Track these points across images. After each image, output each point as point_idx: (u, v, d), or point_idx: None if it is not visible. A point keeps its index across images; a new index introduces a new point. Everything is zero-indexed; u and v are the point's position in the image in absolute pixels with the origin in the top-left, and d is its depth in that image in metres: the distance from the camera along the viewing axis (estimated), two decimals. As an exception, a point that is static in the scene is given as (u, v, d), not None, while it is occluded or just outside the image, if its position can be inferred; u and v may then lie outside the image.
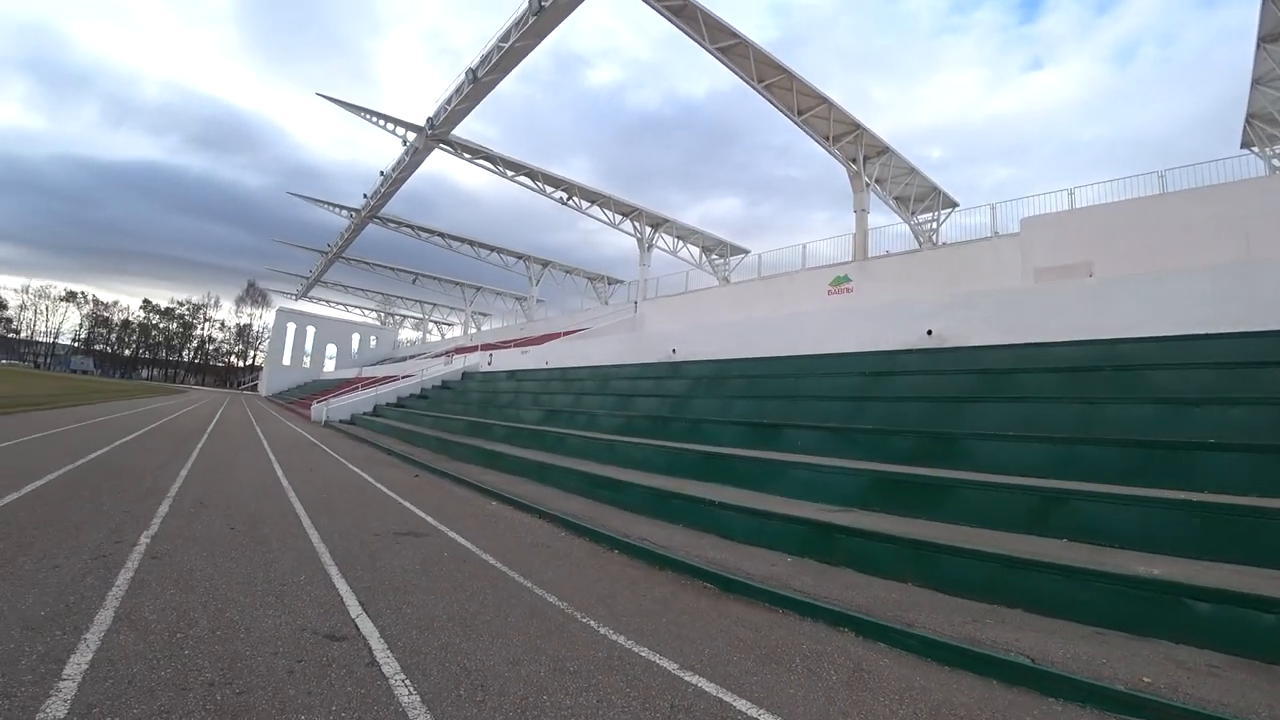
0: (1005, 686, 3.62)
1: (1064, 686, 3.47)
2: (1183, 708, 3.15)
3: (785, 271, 27.19)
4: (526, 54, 23.61)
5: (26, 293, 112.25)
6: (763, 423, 10.15)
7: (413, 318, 78.60)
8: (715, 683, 3.53)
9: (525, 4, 21.23)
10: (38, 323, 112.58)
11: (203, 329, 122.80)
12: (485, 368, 29.85)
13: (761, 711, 3.21)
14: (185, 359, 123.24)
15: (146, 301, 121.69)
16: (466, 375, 29.84)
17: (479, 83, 25.29)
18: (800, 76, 21.94)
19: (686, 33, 20.62)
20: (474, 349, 37.77)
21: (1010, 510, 5.78)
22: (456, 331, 67.69)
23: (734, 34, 20.76)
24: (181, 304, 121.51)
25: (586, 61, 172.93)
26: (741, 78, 22.03)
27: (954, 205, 26.91)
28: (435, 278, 58.59)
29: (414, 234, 45.47)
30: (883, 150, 24.46)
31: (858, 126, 23.53)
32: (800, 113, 23.08)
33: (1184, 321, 9.01)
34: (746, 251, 36.21)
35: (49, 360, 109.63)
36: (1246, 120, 22.01)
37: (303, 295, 75.35)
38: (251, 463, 12.36)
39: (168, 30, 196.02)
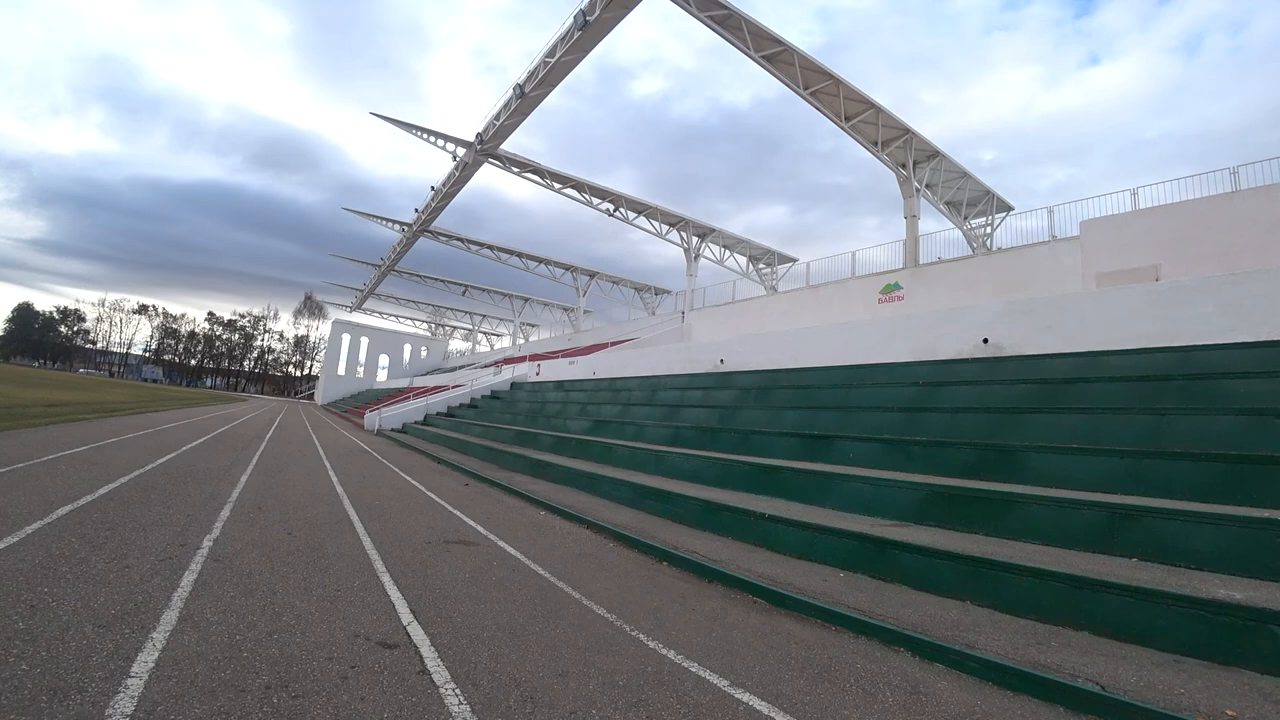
0: (1072, 714, 3.44)
1: (1138, 716, 3.27)
2: (1273, 743, 2.94)
3: (834, 280, 26.78)
4: (572, 68, 23.92)
5: (103, 306, 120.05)
6: (813, 434, 9.98)
7: (462, 329, 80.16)
8: (767, 701, 3.45)
9: (570, 20, 21.54)
10: (113, 334, 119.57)
11: (262, 340, 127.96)
12: (533, 378, 30.19)
13: (815, 733, 3.12)
14: (246, 369, 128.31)
15: (211, 314, 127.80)
16: (515, 385, 30.22)
17: (526, 98, 25.71)
18: (847, 82, 21.64)
19: (731, 42, 20.59)
20: (522, 359, 38.24)
21: (1075, 527, 5.53)
22: (505, 342, 68.67)
23: (779, 41, 20.63)
24: (243, 316, 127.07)
25: (630, 73, 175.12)
26: (787, 85, 21.85)
27: (1008, 209, 26.15)
28: (484, 289, 59.67)
29: (464, 247, 46.39)
30: (933, 154, 23.93)
31: (907, 131, 23.08)
32: (847, 119, 22.76)
33: (1265, 327, 8.51)
34: (794, 260, 35.81)
35: (122, 369, 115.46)
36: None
37: (357, 307, 77.67)
38: (308, 469, 12.73)
39: (230, 57, 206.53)
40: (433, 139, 33.34)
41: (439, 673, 3.50)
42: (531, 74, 24.73)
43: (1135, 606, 4.22)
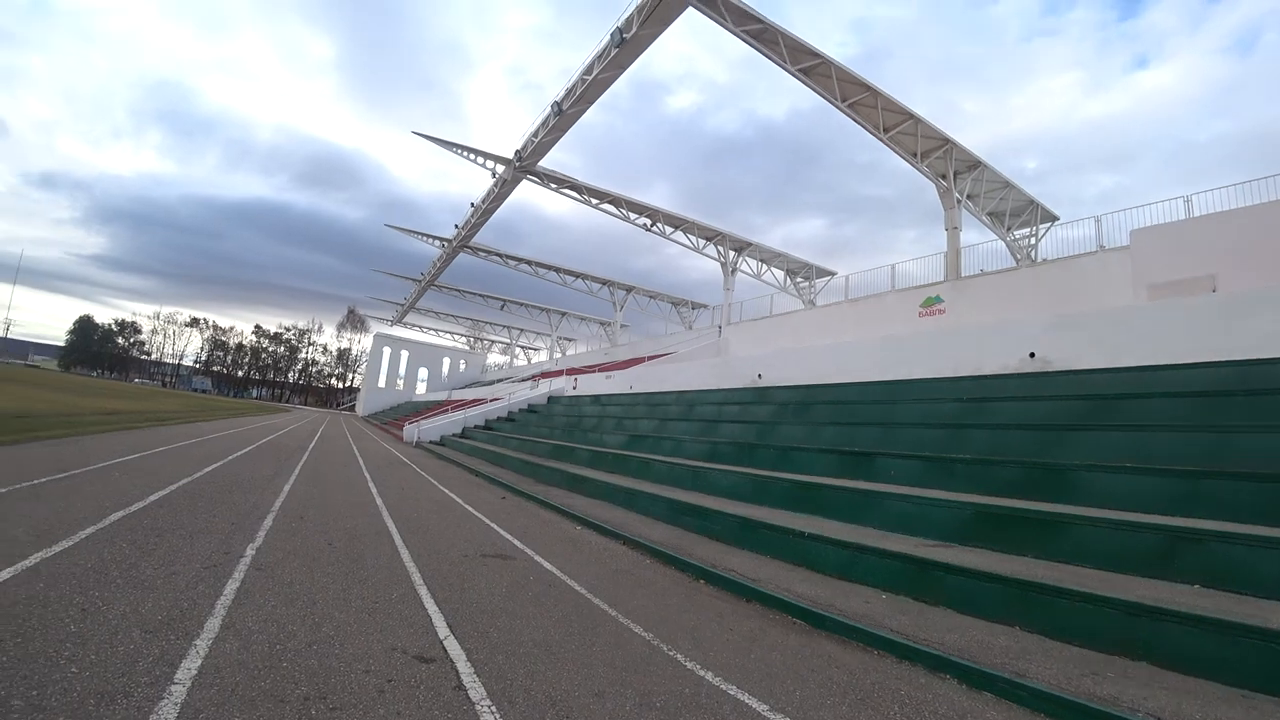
0: (1135, 750, 3.26)
1: (1206, 754, 3.09)
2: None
3: (873, 293, 26.33)
4: (609, 85, 24.16)
5: (157, 319, 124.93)
6: (854, 451, 9.79)
7: (500, 343, 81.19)
8: (807, 727, 3.35)
9: (607, 37, 21.78)
10: (166, 346, 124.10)
11: (307, 352, 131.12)
12: (570, 392, 30.32)
13: (858, 762, 3.02)
14: (290, 380, 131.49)
15: (258, 327, 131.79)
16: (552, 399, 30.40)
17: (564, 115, 26.04)
18: (885, 93, 21.40)
19: (768, 56, 20.55)
20: (559, 373, 38.47)
21: (1130, 550, 5.29)
22: (542, 356, 69.29)
23: (815, 54, 20.52)
24: (289, 329, 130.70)
25: (665, 87, 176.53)
26: (824, 97, 21.71)
27: (1053, 219, 25.41)
28: (522, 304, 60.31)
29: (502, 262, 47.00)
30: (974, 164, 23.45)
31: (947, 141, 22.70)
32: (886, 130, 22.49)
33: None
34: (832, 273, 35.43)
35: (174, 380, 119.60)
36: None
37: (398, 321, 79.23)
38: (348, 480, 12.95)
39: (278, 80, 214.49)
40: (472, 156, 33.95)
41: (475, 689, 3.48)
42: (569, 91, 25.06)
43: (1198, 637, 4.00)
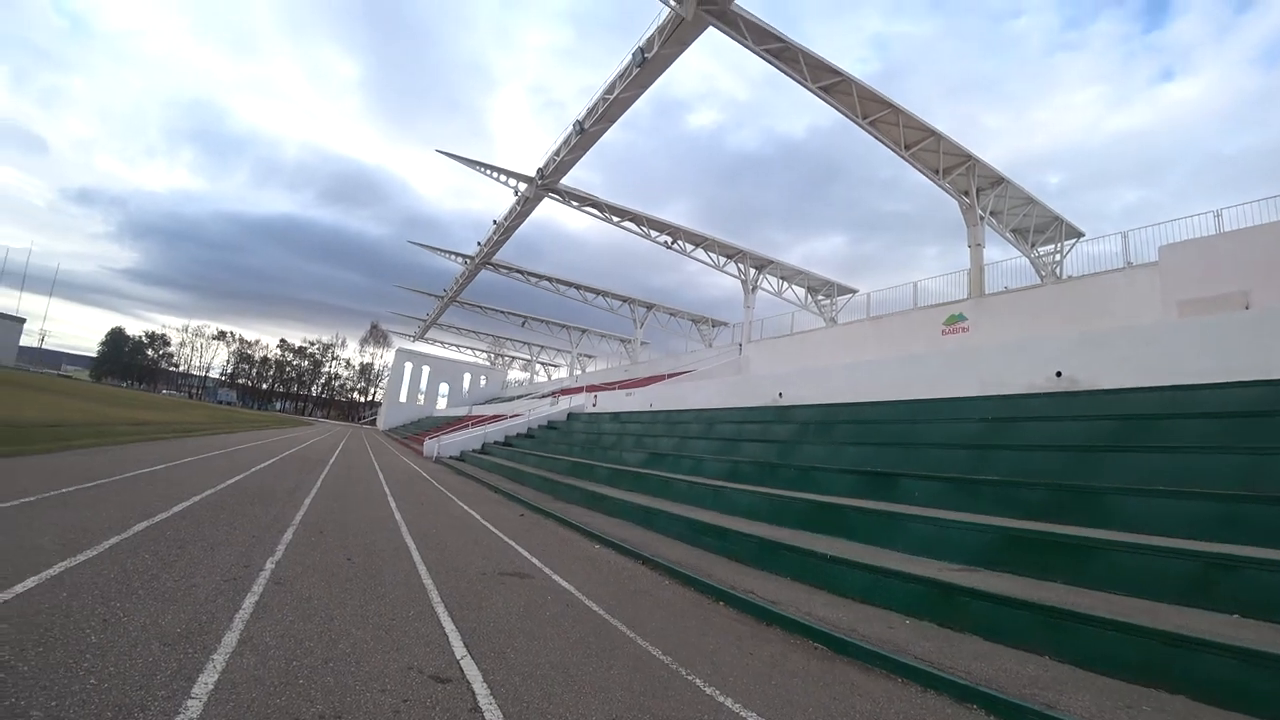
0: (1174, 789, 3.13)
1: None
2: None
3: (895, 311, 26.07)
4: (631, 104, 24.37)
5: (186, 331, 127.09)
6: (876, 471, 9.64)
7: (521, 359, 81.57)
8: (830, 757, 3.25)
9: (629, 57, 22.00)
10: (194, 358, 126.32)
11: (330, 367, 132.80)
12: (590, 409, 30.33)
13: (883, 796, 2.92)
14: (313, 394, 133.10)
15: (283, 341, 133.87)
16: (572, 416, 30.41)
17: (586, 133, 26.30)
18: (906, 110, 21.34)
19: (788, 74, 20.61)
20: (579, 390, 38.51)
21: (1165, 577, 5.12)
22: (562, 373, 69.47)
23: (836, 72, 20.54)
24: (313, 343, 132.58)
25: (686, 105, 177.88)
26: (845, 115, 21.69)
27: (1079, 235, 25.03)
28: (543, 320, 60.67)
29: (524, 279, 47.38)
30: (997, 180, 23.25)
31: (969, 157, 22.54)
32: (907, 147, 22.40)
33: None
34: (854, 291, 35.17)
35: (200, 391, 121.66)
36: None
37: (419, 336, 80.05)
38: (368, 495, 13.00)
39: (306, 99, 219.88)
40: (495, 174, 34.36)
41: (491, 711, 3.44)
42: (591, 110, 25.31)
43: (1239, 669, 3.84)
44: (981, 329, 21.51)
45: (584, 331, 60.92)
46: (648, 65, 21.56)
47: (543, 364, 77.99)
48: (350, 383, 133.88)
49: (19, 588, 4.39)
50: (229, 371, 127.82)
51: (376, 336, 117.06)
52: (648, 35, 21.06)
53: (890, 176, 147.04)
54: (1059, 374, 11.36)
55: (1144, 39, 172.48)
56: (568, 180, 31.61)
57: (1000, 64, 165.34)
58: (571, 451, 21.15)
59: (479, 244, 43.17)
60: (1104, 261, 21.07)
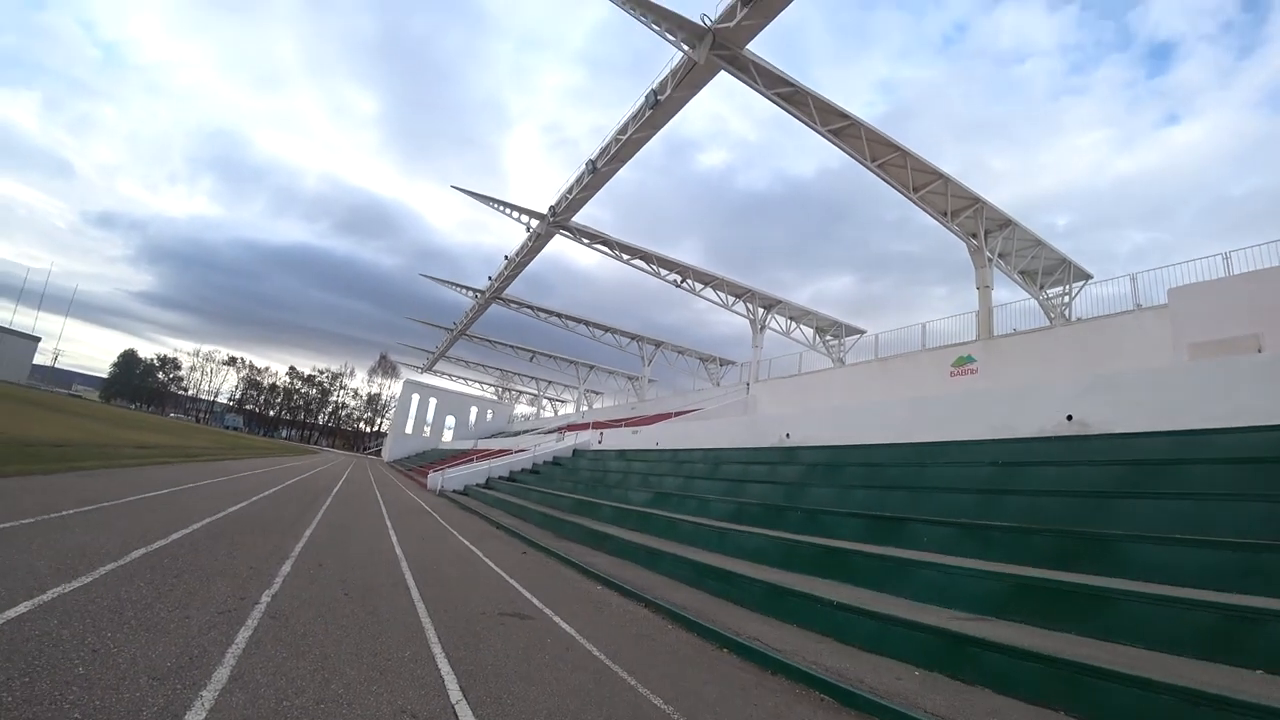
0: None
1: None
2: None
3: (904, 352, 25.98)
4: (643, 144, 24.78)
5: (197, 356, 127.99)
6: (884, 515, 9.46)
7: (528, 394, 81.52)
8: (838, 819, 3.10)
9: (642, 99, 22.44)
10: (203, 382, 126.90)
11: (338, 396, 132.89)
12: (596, 446, 30.16)
13: None
14: (320, 422, 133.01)
15: (292, 368, 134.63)
16: (577, 452, 30.23)
17: (598, 173, 26.70)
18: (915, 153, 21.59)
19: (797, 117, 20.94)
20: (585, 426, 38.38)
21: (1183, 630, 4.94)
22: (569, 409, 69.32)
23: (845, 115, 20.84)
24: (322, 372, 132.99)
25: (697, 145, 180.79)
26: (854, 157, 21.95)
27: (1087, 277, 24.97)
28: (551, 355, 60.79)
29: (533, 314, 47.64)
30: (1005, 223, 23.33)
31: (977, 200, 22.69)
32: (916, 189, 22.58)
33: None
34: (862, 331, 35.10)
35: (208, 416, 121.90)
36: None
37: (428, 369, 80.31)
38: (369, 528, 12.86)
39: (325, 132, 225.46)
40: (508, 211, 34.82)
41: (484, 759, 3.31)
42: (604, 150, 25.74)
43: (1268, 734, 3.67)
44: (990, 371, 21.37)
45: (592, 367, 60.94)
46: (660, 107, 21.97)
47: (550, 399, 77.95)
48: (357, 412, 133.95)
49: (11, 612, 4.32)
50: (237, 397, 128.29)
51: (385, 367, 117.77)
52: (661, 78, 21.50)
53: (898, 217, 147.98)
54: (1070, 418, 11.22)
55: (1148, 84, 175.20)
56: (579, 218, 32.00)
57: (1007, 107, 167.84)
58: (576, 489, 20.95)
59: (490, 278, 43.57)
60: (1113, 304, 20.96)
